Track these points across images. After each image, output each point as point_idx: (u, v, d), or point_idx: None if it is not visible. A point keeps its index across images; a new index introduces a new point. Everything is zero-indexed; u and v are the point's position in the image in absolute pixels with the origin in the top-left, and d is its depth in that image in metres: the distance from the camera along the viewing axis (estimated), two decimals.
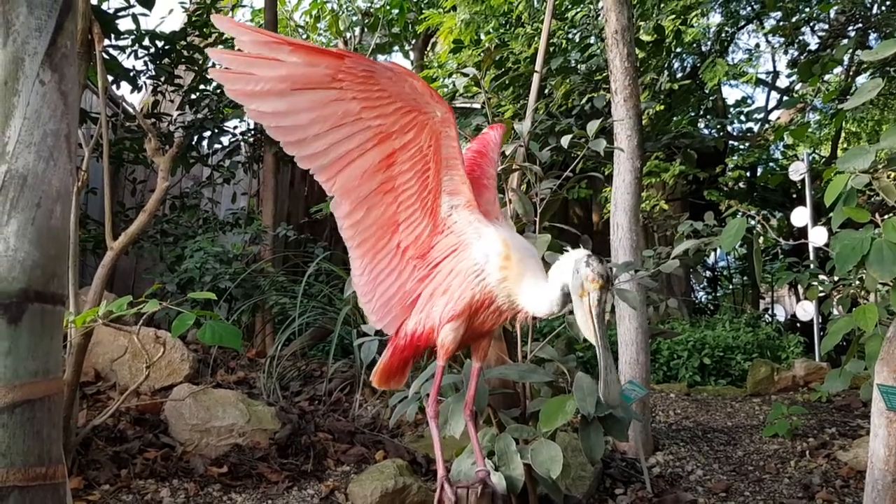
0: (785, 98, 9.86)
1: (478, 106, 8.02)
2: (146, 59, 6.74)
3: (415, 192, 1.88)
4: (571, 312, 2.70)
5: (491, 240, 1.88)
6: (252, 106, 1.73)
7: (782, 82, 10.14)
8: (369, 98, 1.73)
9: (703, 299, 11.22)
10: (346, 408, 4.60)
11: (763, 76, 10.18)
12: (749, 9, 8.96)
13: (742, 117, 10.06)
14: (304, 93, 1.71)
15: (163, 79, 6.91)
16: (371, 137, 1.79)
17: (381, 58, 13.13)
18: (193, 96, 7.38)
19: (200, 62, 7.34)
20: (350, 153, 1.80)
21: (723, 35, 8.76)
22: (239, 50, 1.69)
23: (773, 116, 10.27)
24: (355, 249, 1.93)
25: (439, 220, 1.90)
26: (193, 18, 7.17)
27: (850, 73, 8.53)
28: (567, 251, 1.85)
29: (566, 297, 1.80)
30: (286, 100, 1.71)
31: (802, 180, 7.06)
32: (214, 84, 7.52)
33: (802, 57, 8.41)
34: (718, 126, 9.49)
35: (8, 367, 1.86)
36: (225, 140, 7.51)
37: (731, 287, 11.44)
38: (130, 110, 6.87)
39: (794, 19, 8.24)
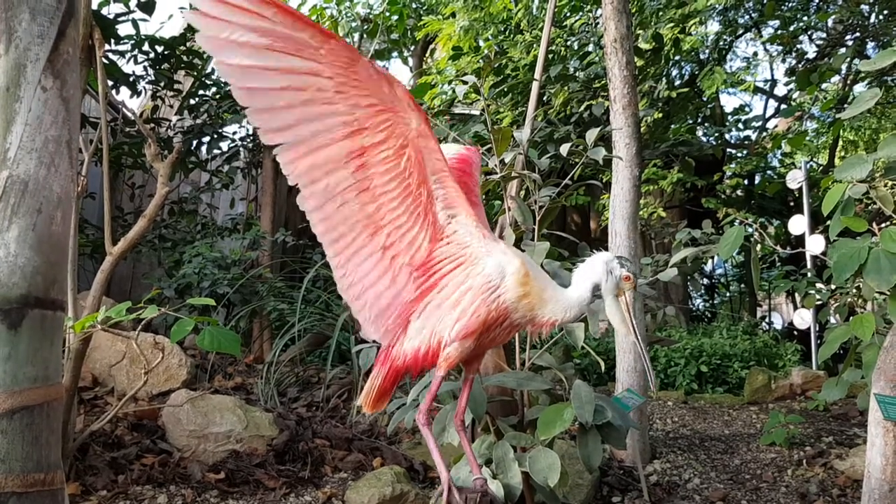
0: (783, 106, 9.89)
1: (476, 112, 8.05)
2: (146, 63, 6.77)
3: (397, 197, 1.83)
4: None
5: (506, 256, 1.88)
6: (223, 57, 1.65)
7: (780, 90, 10.19)
8: (346, 84, 1.70)
9: (700, 307, 11.24)
10: (343, 414, 4.60)
11: (761, 84, 10.22)
12: (747, 17, 9.00)
13: (740, 125, 10.12)
14: (282, 56, 1.66)
15: (162, 84, 6.92)
16: (341, 126, 1.75)
17: (379, 63, 13.18)
18: (192, 101, 7.39)
19: (200, 67, 7.36)
20: (318, 137, 1.75)
21: (721, 43, 8.79)
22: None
23: (770, 125, 10.32)
24: (330, 247, 1.87)
25: (438, 227, 1.87)
26: None
27: (848, 82, 8.57)
28: (582, 258, 1.93)
29: (592, 299, 1.88)
30: (261, 57, 1.65)
31: (800, 188, 7.08)
32: (214, 89, 7.54)
33: (800, 65, 8.45)
34: (716, 134, 9.52)
35: (7, 372, 1.86)
36: (224, 145, 7.53)
37: (728, 295, 11.47)
38: (130, 115, 6.88)
39: (791, 28, 8.27)
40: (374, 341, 2.78)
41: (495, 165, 3.03)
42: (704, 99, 9.07)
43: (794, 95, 9.54)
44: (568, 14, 8.10)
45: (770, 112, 10.47)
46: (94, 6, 4.77)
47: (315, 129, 1.75)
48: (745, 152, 9.82)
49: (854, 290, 4.38)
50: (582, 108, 7.00)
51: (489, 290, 1.85)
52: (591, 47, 7.67)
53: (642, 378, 4.33)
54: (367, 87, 1.71)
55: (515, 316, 1.87)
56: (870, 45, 8.02)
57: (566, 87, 7.24)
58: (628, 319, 1.87)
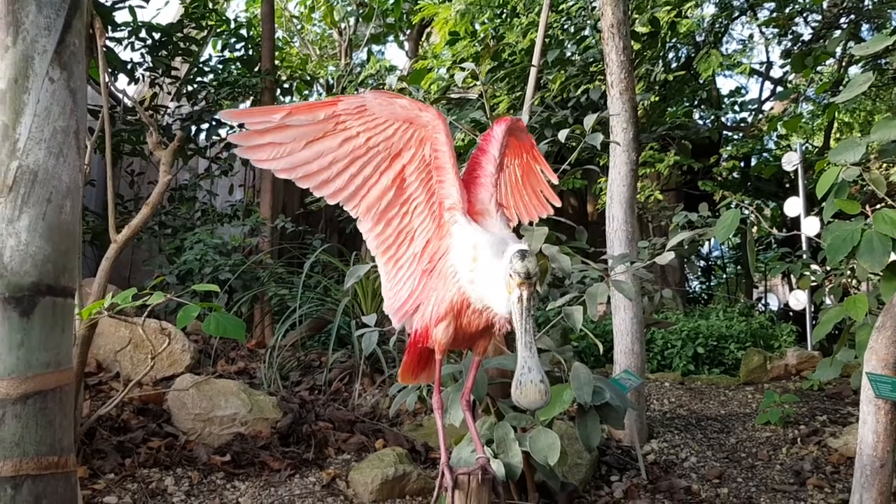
0: (778, 88, 9.91)
1: (472, 96, 8.05)
2: (143, 50, 6.76)
3: (423, 200, 2.01)
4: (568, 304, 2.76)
5: (464, 242, 1.93)
6: (279, 166, 1.95)
7: (776, 73, 10.21)
8: (369, 127, 1.95)
9: (697, 289, 11.31)
10: (345, 397, 4.66)
11: (757, 66, 10.23)
12: (742, 0, 9.00)
13: (736, 108, 10.12)
14: (318, 142, 1.95)
15: (160, 70, 6.92)
16: (383, 159, 1.98)
17: (375, 48, 13.15)
18: (190, 88, 7.39)
19: (196, 54, 7.36)
20: (368, 179, 1.99)
21: (717, 26, 8.79)
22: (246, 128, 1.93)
23: (766, 107, 10.34)
24: (381, 257, 2.07)
25: (442, 223, 2.00)
26: (190, 10, 7.18)
27: (843, 65, 8.59)
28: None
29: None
30: (305, 153, 1.95)
31: (795, 170, 7.12)
32: (211, 76, 7.54)
33: (796, 48, 8.46)
34: (713, 117, 9.54)
35: (21, 358, 1.91)
36: (223, 132, 7.53)
37: (724, 277, 11.53)
38: (129, 103, 6.89)
39: (787, 10, 8.28)
40: (376, 325, 2.86)
41: None
42: (701, 82, 9.08)
43: (790, 78, 9.56)
44: None
45: (766, 94, 10.50)
46: None
47: (366, 174, 1.99)
48: (741, 135, 9.84)
49: (848, 272, 4.43)
50: (579, 92, 7.01)
51: (451, 275, 1.96)
52: (587, 31, 7.67)
53: (639, 360, 4.39)
54: (385, 117, 1.94)
55: (473, 298, 1.92)
56: (864, 27, 8.04)
57: (563, 72, 7.25)
58: (517, 321, 1.68)
